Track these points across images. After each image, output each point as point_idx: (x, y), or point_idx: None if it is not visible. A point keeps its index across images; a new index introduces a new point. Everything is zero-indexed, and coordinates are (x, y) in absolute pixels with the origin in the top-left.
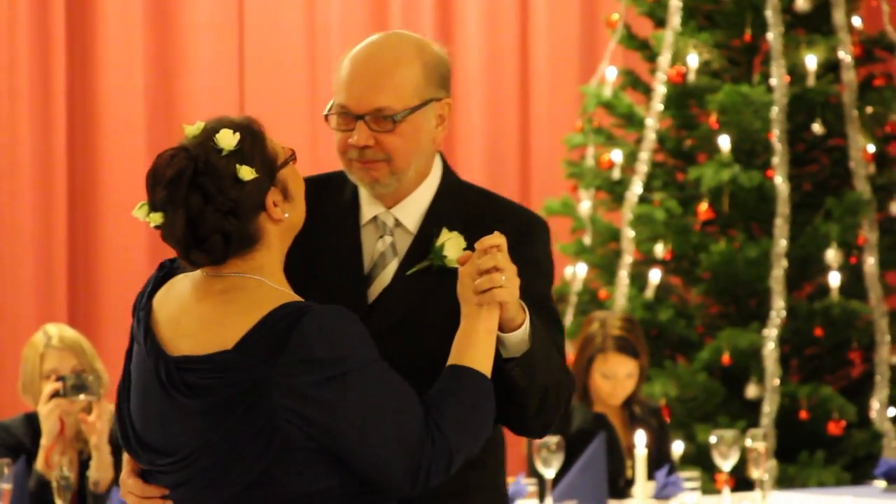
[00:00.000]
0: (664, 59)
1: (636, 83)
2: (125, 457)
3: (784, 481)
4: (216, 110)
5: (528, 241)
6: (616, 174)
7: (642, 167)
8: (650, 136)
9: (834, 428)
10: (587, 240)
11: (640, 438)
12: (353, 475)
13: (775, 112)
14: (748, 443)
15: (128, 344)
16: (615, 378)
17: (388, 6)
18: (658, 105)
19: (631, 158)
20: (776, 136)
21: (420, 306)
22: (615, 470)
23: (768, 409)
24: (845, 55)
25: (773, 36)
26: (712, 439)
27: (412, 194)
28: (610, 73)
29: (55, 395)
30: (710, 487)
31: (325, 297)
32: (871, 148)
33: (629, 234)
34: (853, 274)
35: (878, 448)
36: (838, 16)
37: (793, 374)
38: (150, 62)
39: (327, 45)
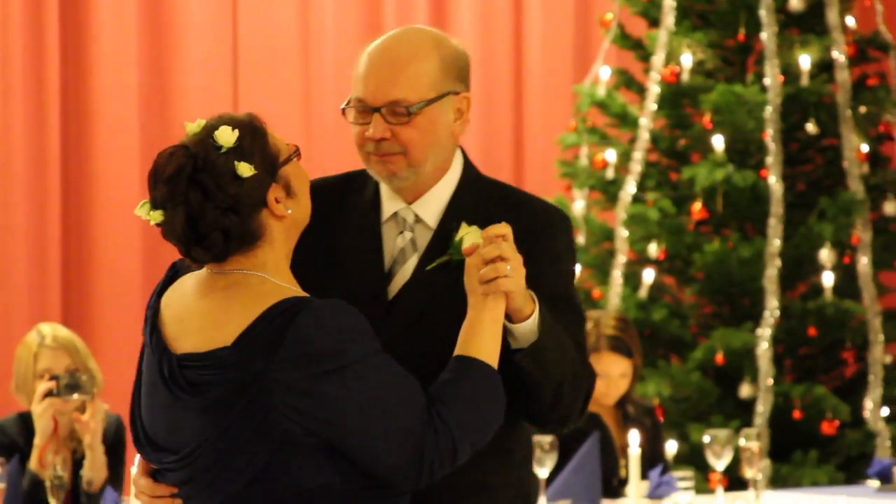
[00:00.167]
0: (658, 58)
1: (630, 83)
2: (138, 457)
3: (777, 481)
4: (210, 109)
5: (549, 234)
6: (610, 174)
7: (636, 167)
8: (644, 136)
9: (827, 427)
10: (581, 239)
11: (634, 438)
12: (354, 471)
13: (769, 112)
14: (742, 442)
15: (142, 345)
16: (609, 377)
17: (381, 6)
18: (652, 105)
19: (624, 158)
20: (770, 135)
21: (440, 301)
22: (609, 469)
23: (762, 408)
24: (839, 55)
25: (766, 36)
26: (706, 439)
27: (432, 189)
28: (604, 73)
29: (49, 394)
30: (703, 487)
31: (347, 295)
32: (865, 148)
33: (623, 233)
34: (847, 274)
35: (871, 448)
36: (832, 15)
37: (786, 374)
38: (144, 61)
39: (321, 45)
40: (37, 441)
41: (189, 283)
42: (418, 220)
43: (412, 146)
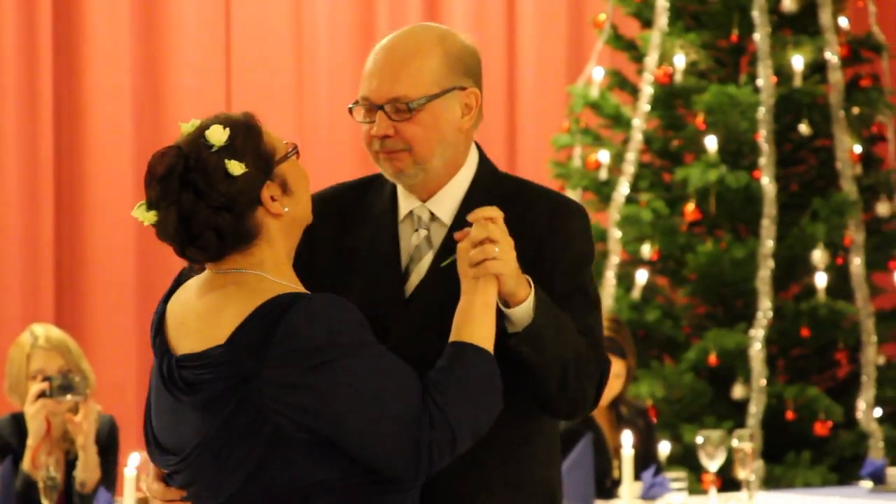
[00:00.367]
0: (651, 59)
1: (623, 84)
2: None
3: (770, 482)
4: (203, 110)
5: (565, 227)
6: (603, 175)
7: (629, 168)
8: (637, 137)
9: (820, 428)
10: None
11: (627, 439)
12: (355, 467)
13: (762, 113)
14: (735, 443)
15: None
16: None
17: (374, 6)
18: (645, 105)
19: (618, 159)
20: (763, 136)
21: (456, 297)
22: (602, 470)
23: (755, 409)
24: (832, 56)
25: (759, 36)
26: (699, 440)
27: (446, 186)
28: (597, 74)
29: (42, 395)
30: (696, 488)
31: (365, 295)
32: (858, 148)
33: (616, 234)
34: (840, 274)
35: (864, 448)
36: (825, 16)
37: (779, 375)
38: (137, 61)
39: (314, 45)
40: (30, 442)
41: (192, 285)
42: (433, 217)
43: (416, 142)
